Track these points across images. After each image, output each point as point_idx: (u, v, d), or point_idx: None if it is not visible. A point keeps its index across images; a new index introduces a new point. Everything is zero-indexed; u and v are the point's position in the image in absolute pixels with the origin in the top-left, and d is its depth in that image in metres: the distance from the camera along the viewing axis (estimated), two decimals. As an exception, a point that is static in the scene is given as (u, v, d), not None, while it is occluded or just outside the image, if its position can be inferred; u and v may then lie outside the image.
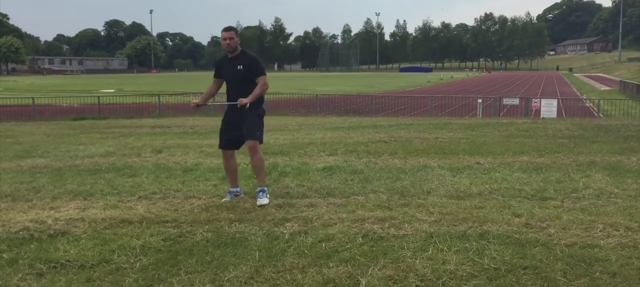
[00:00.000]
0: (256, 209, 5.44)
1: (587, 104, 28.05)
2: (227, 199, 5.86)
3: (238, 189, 6.05)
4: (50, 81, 76.67)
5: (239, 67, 5.76)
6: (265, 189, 5.77)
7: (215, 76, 6.08)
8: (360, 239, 4.48)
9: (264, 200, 5.61)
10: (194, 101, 6.21)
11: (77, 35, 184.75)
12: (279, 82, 58.64)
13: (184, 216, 5.21)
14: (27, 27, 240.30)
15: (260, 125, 5.82)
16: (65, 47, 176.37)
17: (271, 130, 13.07)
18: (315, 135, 11.92)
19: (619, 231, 4.66)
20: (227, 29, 5.77)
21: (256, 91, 5.68)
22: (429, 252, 4.17)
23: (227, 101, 5.84)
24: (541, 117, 19.20)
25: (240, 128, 5.76)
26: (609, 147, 9.59)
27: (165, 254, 4.22)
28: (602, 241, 4.39)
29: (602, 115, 21.44)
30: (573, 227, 4.73)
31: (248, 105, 5.57)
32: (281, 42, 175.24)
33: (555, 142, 10.23)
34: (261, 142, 5.86)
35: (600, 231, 4.66)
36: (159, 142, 11.00)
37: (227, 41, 5.74)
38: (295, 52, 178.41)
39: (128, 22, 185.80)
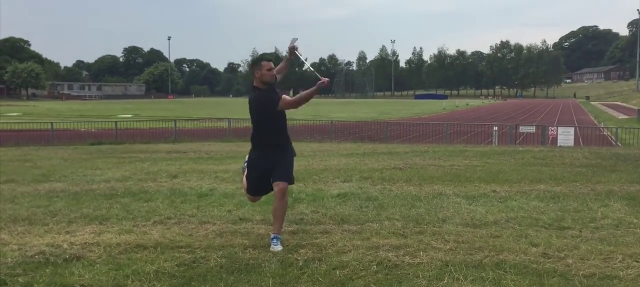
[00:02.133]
0: (270, 235, 5.42)
1: (605, 133, 27.76)
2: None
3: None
4: (69, 106, 77.74)
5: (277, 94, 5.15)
6: (279, 236, 5.14)
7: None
8: (375, 266, 4.45)
9: (278, 246, 5.00)
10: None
11: (96, 61, 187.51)
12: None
13: (198, 242, 5.21)
14: (47, 53, 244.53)
15: (293, 167, 5.30)
16: (85, 72, 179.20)
17: (286, 156, 13.07)
18: (330, 161, 11.91)
19: (638, 261, 4.57)
20: (270, 59, 5.22)
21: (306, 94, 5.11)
22: (445, 281, 4.12)
23: (262, 143, 5.22)
24: (558, 145, 19.04)
25: (271, 168, 5.15)
26: (627, 176, 9.46)
27: (179, 280, 4.21)
28: (621, 272, 4.31)
29: (620, 144, 21.20)
30: (592, 258, 4.65)
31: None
32: (297, 69, 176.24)
33: (572, 171, 10.11)
34: (291, 183, 5.29)
35: (620, 261, 4.57)
36: (174, 167, 11.06)
37: (272, 71, 5.17)
38: (310, 79, 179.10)
39: (146, 49, 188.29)
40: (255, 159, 5.27)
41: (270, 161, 5.16)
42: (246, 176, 5.44)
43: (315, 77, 5.10)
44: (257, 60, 5.21)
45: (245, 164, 5.51)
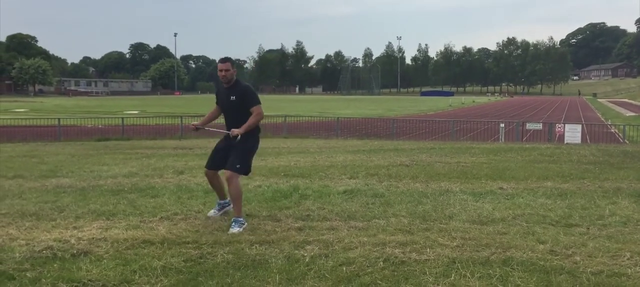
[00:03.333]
0: (277, 231, 5.43)
1: (612, 130, 27.64)
2: (214, 211, 6.11)
3: (227, 201, 6.13)
4: (75, 102, 78.03)
5: (232, 97, 5.84)
6: (240, 219, 5.64)
7: (216, 103, 6.19)
8: (382, 263, 4.44)
9: (235, 229, 5.48)
10: (194, 123, 6.33)
11: (102, 58, 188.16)
12: (300, 105, 58.89)
13: (205, 237, 5.22)
14: (54, 50, 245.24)
15: (245, 158, 5.80)
16: (91, 69, 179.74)
17: (292, 152, 13.09)
18: (336, 158, 11.91)
19: (647, 259, 4.55)
20: (224, 61, 5.84)
21: (250, 121, 5.76)
22: (451, 278, 4.11)
23: (225, 128, 5.94)
24: (565, 142, 18.96)
25: (226, 155, 5.81)
26: (635, 173, 9.41)
27: (186, 276, 4.22)
28: (629, 270, 4.29)
29: (627, 141, 21.10)
30: (599, 255, 4.63)
31: (239, 137, 5.66)
32: (303, 65, 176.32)
33: (580, 168, 10.07)
34: (245, 173, 5.90)
35: (628, 259, 4.55)
36: (181, 163, 11.08)
37: (223, 72, 5.81)
38: (316, 75, 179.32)
39: (152, 45, 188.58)
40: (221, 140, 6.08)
41: (227, 144, 5.88)
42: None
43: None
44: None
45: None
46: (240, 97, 5.83)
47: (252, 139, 5.87)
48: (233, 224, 5.58)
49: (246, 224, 5.68)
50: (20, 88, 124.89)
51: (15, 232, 5.48)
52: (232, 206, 5.93)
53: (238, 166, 5.72)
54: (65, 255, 4.70)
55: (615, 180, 8.68)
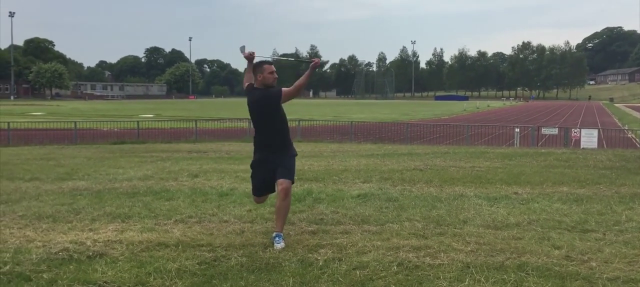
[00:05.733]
0: (291, 235, 5.44)
1: (629, 135, 27.34)
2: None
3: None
4: (91, 106, 78.74)
5: (272, 96, 5.30)
6: (282, 234, 5.20)
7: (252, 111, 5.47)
8: (395, 267, 4.43)
9: (281, 244, 5.06)
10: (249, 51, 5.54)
11: (118, 62, 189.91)
12: (314, 109, 58.86)
13: (219, 240, 5.24)
14: (71, 54, 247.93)
15: (294, 167, 5.40)
16: (107, 73, 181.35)
17: (306, 156, 13.10)
18: (350, 162, 11.90)
19: (664, 265, 4.49)
20: (271, 63, 5.40)
21: (300, 80, 5.35)
22: (466, 283, 4.09)
23: (259, 144, 5.42)
24: (581, 147, 18.79)
25: (274, 169, 5.28)
26: (652, 179, 9.29)
27: (200, 278, 4.24)
28: (646, 276, 4.23)
29: (645, 147, 20.85)
30: (616, 261, 4.58)
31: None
32: (317, 70, 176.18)
33: (596, 173, 9.97)
34: (293, 183, 5.38)
35: (645, 265, 4.49)
36: (195, 166, 11.13)
37: (275, 74, 5.35)
38: (330, 80, 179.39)
39: (168, 49, 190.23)
40: (258, 161, 5.46)
41: (272, 162, 5.33)
42: (250, 177, 5.65)
43: (306, 63, 5.54)
44: (260, 65, 5.41)
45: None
46: (277, 91, 5.33)
47: (292, 148, 5.47)
48: (277, 239, 5.12)
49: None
50: (37, 92, 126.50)
51: (32, 234, 5.55)
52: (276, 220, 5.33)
53: (293, 175, 5.35)
54: (81, 257, 4.75)
55: (632, 185, 8.58)
